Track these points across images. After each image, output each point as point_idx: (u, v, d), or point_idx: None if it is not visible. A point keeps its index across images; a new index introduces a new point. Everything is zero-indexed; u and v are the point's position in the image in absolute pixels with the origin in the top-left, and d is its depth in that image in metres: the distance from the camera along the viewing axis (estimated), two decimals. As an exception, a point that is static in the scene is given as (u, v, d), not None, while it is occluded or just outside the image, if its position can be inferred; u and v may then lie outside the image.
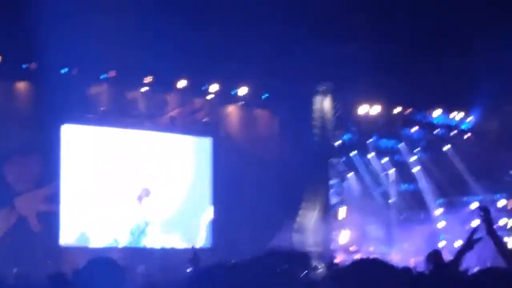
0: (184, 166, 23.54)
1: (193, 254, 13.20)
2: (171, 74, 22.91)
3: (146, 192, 22.77)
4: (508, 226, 29.60)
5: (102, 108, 22.28)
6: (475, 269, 7.08)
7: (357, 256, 26.15)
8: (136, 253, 21.19)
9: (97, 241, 21.68)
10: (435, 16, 23.76)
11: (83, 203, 21.68)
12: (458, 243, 29.22)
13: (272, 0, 21.81)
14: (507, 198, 29.76)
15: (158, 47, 19.68)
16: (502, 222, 29.76)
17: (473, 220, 30.14)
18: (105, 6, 18.32)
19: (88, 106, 22.15)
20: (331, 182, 26.90)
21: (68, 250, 20.71)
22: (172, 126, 23.43)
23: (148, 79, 22.65)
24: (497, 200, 30.11)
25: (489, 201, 30.06)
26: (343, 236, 26.83)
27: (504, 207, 29.83)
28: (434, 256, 10.14)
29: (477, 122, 29.26)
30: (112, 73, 22.02)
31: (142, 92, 22.91)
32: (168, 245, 22.77)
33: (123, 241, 22.23)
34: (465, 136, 29.76)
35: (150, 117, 23.19)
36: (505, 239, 29.09)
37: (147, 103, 23.08)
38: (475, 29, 23.55)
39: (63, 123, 21.61)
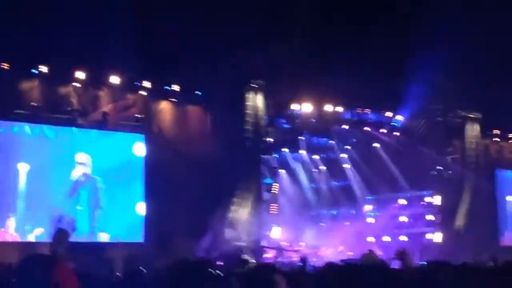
0: (116, 162, 23.49)
1: None
2: (103, 69, 22.87)
3: (78, 188, 22.70)
4: (435, 222, 30.33)
5: (33, 104, 22.07)
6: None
7: (288, 251, 26.54)
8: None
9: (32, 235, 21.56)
10: (368, 16, 24.23)
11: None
12: (386, 238, 29.97)
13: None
14: (433, 195, 30.47)
15: (90, 42, 19.64)
16: (428, 217, 30.49)
17: (401, 215, 30.91)
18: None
19: (19, 102, 21.92)
20: (263, 178, 27.15)
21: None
22: (105, 123, 23.34)
23: (80, 75, 22.51)
24: (425, 196, 30.82)
25: (416, 197, 30.83)
26: (275, 232, 27.11)
27: (430, 203, 30.54)
28: (401, 254, 10.57)
29: (406, 121, 29.81)
30: (42, 69, 21.83)
31: (74, 88, 22.73)
32: (99, 240, 22.75)
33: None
34: (394, 134, 30.28)
35: (83, 114, 23.07)
36: (431, 235, 29.91)
37: (79, 99, 22.93)
38: (406, 30, 24.09)
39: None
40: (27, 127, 22.21)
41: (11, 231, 21.50)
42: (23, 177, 21.67)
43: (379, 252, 27.03)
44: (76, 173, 22.74)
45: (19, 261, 5.30)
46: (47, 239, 21.28)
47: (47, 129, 22.59)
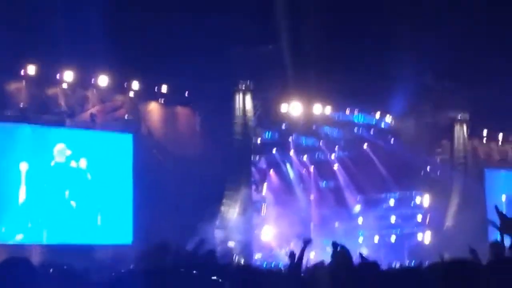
0: (105, 163, 23.44)
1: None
2: (92, 70, 22.80)
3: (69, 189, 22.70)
4: (424, 222, 30.38)
5: (21, 105, 22.00)
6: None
7: (278, 252, 26.53)
8: (60, 251, 21.03)
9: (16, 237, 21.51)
10: (354, 17, 24.25)
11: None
12: (376, 239, 30.01)
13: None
14: (422, 196, 30.53)
15: (79, 42, 19.58)
16: (419, 218, 30.55)
17: (391, 216, 30.97)
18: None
19: (6, 103, 21.85)
20: (253, 179, 27.15)
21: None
22: (93, 124, 23.30)
23: (68, 76, 22.43)
24: (414, 197, 30.87)
25: (405, 198, 30.87)
26: (265, 233, 27.11)
27: (420, 203, 30.60)
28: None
29: (395, 122, 29.86)
30: (31, 69, 21.74)
31: (62, 89, 22.67)
32: (90, 242, 22.70)
33: (43, 238, 22.08)
34: (384, 135, 30.33)
35: (71, 115, 23.01)
36: (420, 236, 29.97)
37: (67, 100, 22.86)
38: (394, 30, 24.09)
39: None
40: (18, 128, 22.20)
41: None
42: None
43: (366, 252, 27.12)
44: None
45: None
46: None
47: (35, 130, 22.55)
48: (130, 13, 21.33)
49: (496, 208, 4.61)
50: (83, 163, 23.00)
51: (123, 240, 23.31)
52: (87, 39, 19.14)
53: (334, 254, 6.94)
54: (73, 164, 22.86)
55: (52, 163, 22.56)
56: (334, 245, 8.67)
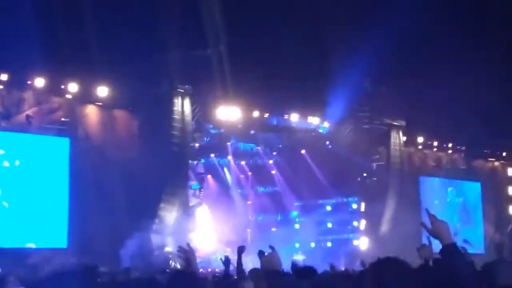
0: (40, 165, 23.08)
1: None
2: (28, 71, 22.43)
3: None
4: (360, 228, 30.68)
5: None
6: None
7: (214, 257, 26.47)
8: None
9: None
10: (293, 23, 24.40)
11: None
12: (312, 245, 30.21)
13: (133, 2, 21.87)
14: (359, 202, 30.84)
15: (13, 42, 19.27)
16: (355, 223, 30.86)
17: (327, 221, 31.21)
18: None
19: None
20: (190, 183, 27.06)
21: None
22: (29, 126, 22.91)
23: (3, 77, 22.02)
24: (350, 203, 31.18)
25: (342, 204, 31.16)
26: (202, 238, 27.03)
27: (357, 209, 30.90)
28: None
29: (333, 127, 30.06)
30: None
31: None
32: (24, 246, 22.33)
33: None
34: (321, 141, 30.53)
35: (6, 116, 22.60)
36: (356, 241, 30.27)
37: (2, 101, 22.45)
38: (334, 36, 24.32)
39: None
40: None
41: None
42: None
43: (302, 257, 27.28)
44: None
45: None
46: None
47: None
48: (69, 14, 21.09)
49: (427, 211, 4.69)
50: (17, 163, 22.61)
51: (58, 243, 22.97)
52: (24, 39, 18.86)
53: (261, 261, 6.95)
54: (6, 164, 22.45)
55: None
56: (260, 253, 8.79)
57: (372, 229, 29.89)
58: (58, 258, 18.65)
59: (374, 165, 31.29)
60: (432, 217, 4.74)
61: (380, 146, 31.22)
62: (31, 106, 23.01)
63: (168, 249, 24.14)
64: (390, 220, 29.61)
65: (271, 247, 6.73)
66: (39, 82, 22.75)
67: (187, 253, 6.37)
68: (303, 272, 7.98)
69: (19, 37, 18.82)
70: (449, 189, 34.19)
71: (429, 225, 4.74)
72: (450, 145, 33.77)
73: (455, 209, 33.52)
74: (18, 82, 22.55)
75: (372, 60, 23.82)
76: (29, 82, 22.72)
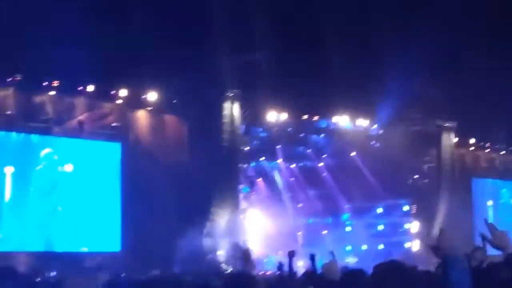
0: (92, 170, 23.35)
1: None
2: (79, 78, 22.68)
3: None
4: (412, 231, 30.40)
5: (8, 112, 21.89)
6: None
7: (265, 261, 26.46)
8: (47, 258, 20.94)
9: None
10: (341, 26, 24.28)
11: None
12: (364, 247, 29.99)
13: (179, 7, 21.98)
14: (410, 204, 30.54)
15: (66, 49, 19.49)
16: (406, 226, 30.58)
17: (378, 224, 30.96)
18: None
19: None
20: (241, 187, 27.07)
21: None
22: (81, 131, 23.20)
23: (55, 83, 22.33)
24: (402, 205, 30.89)
25: (393, 206, 30.88)
26: (253, 241, 27.00)
27: (408, 211, 30.61)
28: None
29: (383, 129, 29.86)
30: (17, 77, 21.65)
31: (49, 96, 22.55)
32: (78, 250, 22.61)
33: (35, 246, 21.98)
34: (371, 143, 30.32)
35: (58, 122, 22.91)
36: (408, 243, 29.98)
37: (54, 107, 22.77)
38: (381, 39, 24.15)
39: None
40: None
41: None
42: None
43: (354, 260, 27.09)
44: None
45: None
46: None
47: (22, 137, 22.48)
48: (119, 20, 21.29)
49: (486, 221, 4.55)
50: (70, 168, 22.91)
51: (111, 247, 23.21)
52: (74, 46, 19.08)
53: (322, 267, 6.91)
54: (59, 169, 22.77)
55: (38, 168, 22.47)
56: (311, 257, 8.82)
57: (424, 232, 29.56)
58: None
59: (426, 166, 30.98)
60: (491, 227, 4.58)
61: (431, 147, 30.90)
62: (82, 111, 23.30)
63: (220, 252, 24.20)
64: (442, 222, 29.25)
65: (331, 253, 6.69)
66: (90, 88, 23.03)
67: (245, 251, 6.38)
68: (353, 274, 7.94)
69: (70, 44, 19.04)
70: (503, 190, 33.72)
71: (488, 235, 4.59)
72: (503, 146, 33.27)
73: (509, 210, 33.01)
74: (69, 89, 22.84)
75: (423, 60, 23.59)
76: (80, 88, 23.01)
